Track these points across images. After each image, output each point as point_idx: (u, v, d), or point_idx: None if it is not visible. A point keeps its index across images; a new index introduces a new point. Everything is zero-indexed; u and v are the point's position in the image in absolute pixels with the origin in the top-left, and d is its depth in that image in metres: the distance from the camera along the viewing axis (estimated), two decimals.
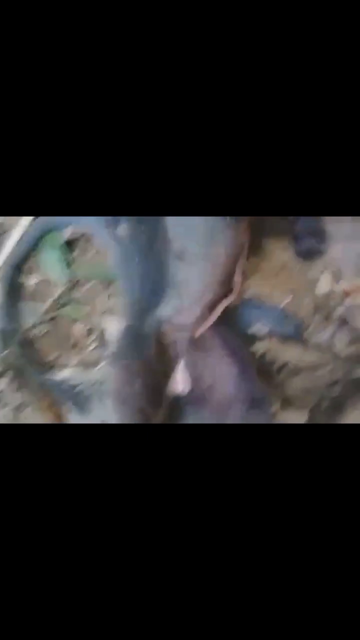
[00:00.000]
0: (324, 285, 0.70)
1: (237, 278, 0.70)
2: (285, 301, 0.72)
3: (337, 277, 0.70)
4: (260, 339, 0.72)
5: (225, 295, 0.69)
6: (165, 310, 0.65)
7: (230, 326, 0.70)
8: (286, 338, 0.72)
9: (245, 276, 0.71)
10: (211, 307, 0.67)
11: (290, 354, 0.71)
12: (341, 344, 0.71)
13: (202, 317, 0.67)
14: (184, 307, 0.66)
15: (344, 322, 0.71)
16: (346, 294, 0.68)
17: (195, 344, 0.66)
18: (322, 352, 0.71)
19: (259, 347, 0.71)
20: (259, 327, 0.73)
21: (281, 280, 0.72)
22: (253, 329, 0.73)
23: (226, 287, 0.69)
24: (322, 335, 0.71)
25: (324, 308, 0.71)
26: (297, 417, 0.70)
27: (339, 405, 0.70)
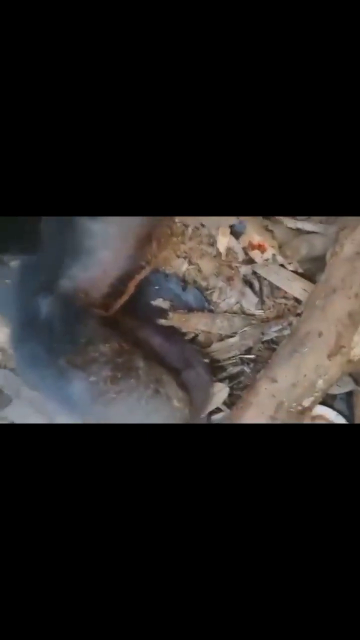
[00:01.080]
0: (222, 243, 0.65)
1: (154, 249, 0.63)
2: (184, 268, 0.66)
3: (236, 234, 0.65)
4: (166, 311, 0.65)
5: (139, 268, 0.62)
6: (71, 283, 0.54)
7: (136, 299, 0.63)
8: (190, 308, 0.66)
9: (160, 246, 0.64)
10: (123, 280, 0.60)
11: (199, 323, 0.65)
12: (250, 306, 0.66)
13: (114, 292, 0.59)
14: (93, 279, 0.56)
15: (249, 283, 0.66)
16: (254, 247, 0.63)
17: (108, 320, 0.58)
18: (231, 317, 0.65)
19: (167, 322, 0.65)
20: (160, 302, 0.66)
21: (178, 245, 0.66)
22: (156, 302, 0.66)
23: (140, 258, 0.62)
24: (228, 300, 0.66)
25: (226, 270, 0.66)
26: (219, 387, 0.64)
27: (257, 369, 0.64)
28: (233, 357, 0.66)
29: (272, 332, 0.64)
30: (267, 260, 0.63)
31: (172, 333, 0.65)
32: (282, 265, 0.64)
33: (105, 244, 0.54)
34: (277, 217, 0.64)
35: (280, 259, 0.63)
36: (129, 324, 0.61)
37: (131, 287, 0.62)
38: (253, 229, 0.63)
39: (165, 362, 0.60)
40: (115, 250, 0.56)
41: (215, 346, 0.66)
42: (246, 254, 0.65)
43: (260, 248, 0.62)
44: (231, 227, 0.64)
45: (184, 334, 0.66)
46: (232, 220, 0.64)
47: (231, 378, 0.66)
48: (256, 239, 0.63)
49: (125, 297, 0.61)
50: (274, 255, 0.61)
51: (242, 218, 0.63)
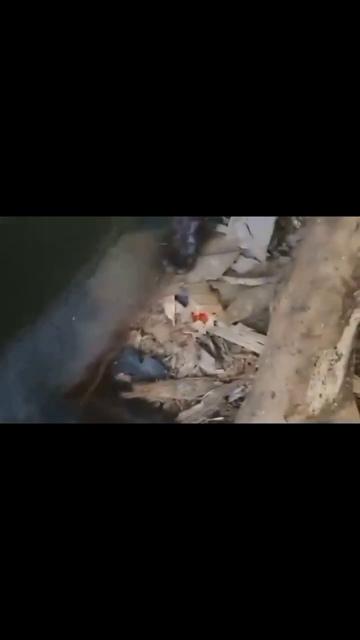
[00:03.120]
0: (170, 310, 0.64)
1: (133, 332, 0.65)
2: (138, 339, 0.66)
3: (182, 301, 0.65)
4: (130, 385, 0.65)
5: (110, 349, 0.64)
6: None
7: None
8: (151, 378, 0.65)
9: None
10: (96, 364, 0.62)
11: (162, 392, 0.64)
12: (208, 367, 0.65)
13: (87, 376, 0.61)
14: (75, 370, 0.59)
15: (204, 344, 0.65)
16: (195, 318, 0.63)
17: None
18: (193, 381, 0.64)
19: (132, 394, 0.64)
20: (122, 376, 0.66)
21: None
22: (118, 377, 0.65)
23: (119, 340, 0.64)
24: (186, 364, 0.65)
25: (179, 336, 0.65)
26: None
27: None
28: (202, 422, 0.64)
29: (235, 394, 0.63)
30: (210, 328, 0.63)
31: (139, 405, 0.64)
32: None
33: (97, 343, 0.58)
34: (220, 277, 0.63)
35: (221, 324, 0.62)
36: (100, 405, 0.61)
37: (101, 370, 0.63)
38: (194, 297, 0.63)
39: None
40: (102, 344, 0.59)
41: (182, 415, 0.65)
42: (196, 320, 0.64)
43: (202, 318, 0.62)
44: (176, 296, 0.64)
45: (150, 404, 0.65)
46: (176, 289, 0.64)
47: None
48: (197, 308, 0.62)
49: (97, 381, 0.62)
50: (215, 322, 0.61)
51: (185, 287, 0.63)
